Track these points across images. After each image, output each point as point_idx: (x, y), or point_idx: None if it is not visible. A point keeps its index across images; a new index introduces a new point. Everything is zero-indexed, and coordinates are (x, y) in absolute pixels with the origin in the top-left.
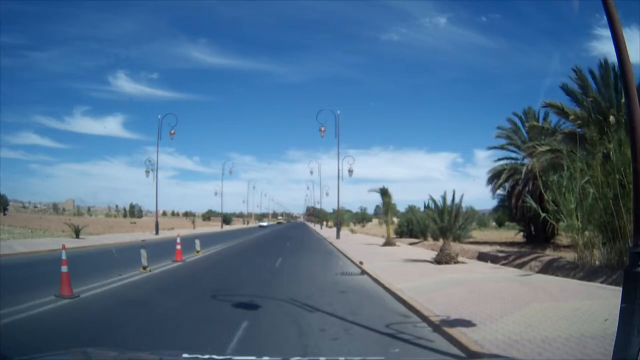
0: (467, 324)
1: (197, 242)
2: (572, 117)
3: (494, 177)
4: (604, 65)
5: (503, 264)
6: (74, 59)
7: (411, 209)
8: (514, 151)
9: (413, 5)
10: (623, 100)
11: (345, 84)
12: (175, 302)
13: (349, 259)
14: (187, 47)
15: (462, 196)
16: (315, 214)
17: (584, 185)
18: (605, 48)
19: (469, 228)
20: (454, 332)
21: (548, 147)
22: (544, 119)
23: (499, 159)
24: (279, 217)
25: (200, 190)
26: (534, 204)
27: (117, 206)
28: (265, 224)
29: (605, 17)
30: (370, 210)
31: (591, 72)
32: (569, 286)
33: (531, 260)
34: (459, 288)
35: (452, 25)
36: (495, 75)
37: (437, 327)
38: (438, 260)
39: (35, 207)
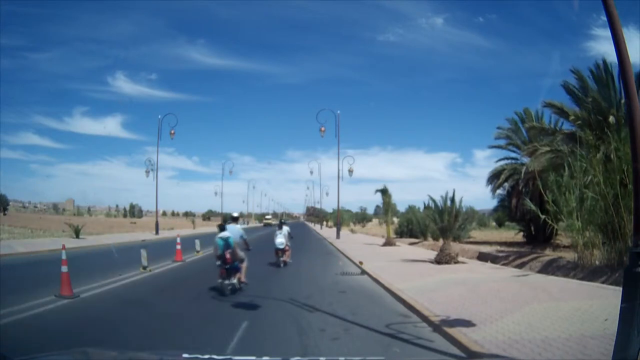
0: (467, 324)
1: (197, 242)
2: (572, 117)
3: (494, 177)
4: (603, 65)
5: (503, 264)
6: (73, 60)
7: (411, 209)
8: (513, 151)
9: (409, 6)
10: (623, 100)
11: (343, 85)
12: (176, 302)
13: (349, 259)
14: (185, 48)
15: (461, 198)
16: (315, 214)
17: (584, 185)
18: (602, 48)
19: (468, 228)
20: (454, 332)
21: (548, 147)
22: (542, 118)
23: (499, 159)
24: (267, 217)
25: (200, 190)
26: (532, 207)
27: (117, 206)
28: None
29: (603, 18)
30: (370, 210)
31: (591, 72)
32: (569, 286)
33: (531, 260)
34: (459, 288)
35: (448, 26)
36: (493, 76)
37: (437, 327)
38: (438, 260)
39: (35, 207)
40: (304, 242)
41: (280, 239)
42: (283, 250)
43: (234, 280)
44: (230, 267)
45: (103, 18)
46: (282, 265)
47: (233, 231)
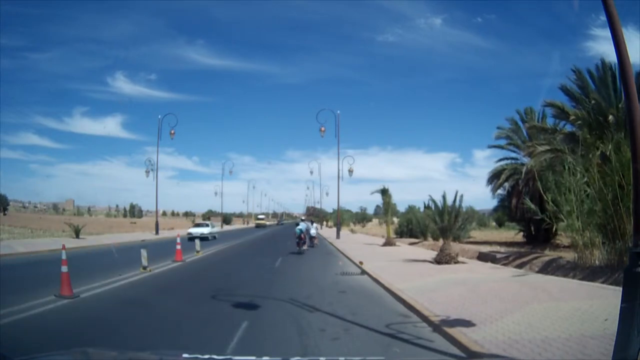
0: (467, 324)
1: (197, 242)
2: (572, 117)
3: (494, 177)
4: (603, 65)
5: (503, 264)
6: (73, 60)
7: (411, 209)
8: (514, 151)
9: (408, 7)
10: (623, 100)
11: (343, 85)
12: (176, 302)
13: (349, 259)
14: (185, 49)
15: (461, 196)
16: (315, 214)
17: (584, 186)
18: (601, 48)
19: (468, 228)
20: (454, 332)
21: (548, 147)
22: (543, 118)
23: (499, 159)
24: (259, 217)
25: (200, 190)
26: (532, 206)
27: (117, 206)
28: (206, 230)
29: (602, 18)
30: (370, 210)
31: (589, 72)
32: (569, 286)
33: (531, 260)
34: (459, 288)
35: (447, 26)
36: (493, 76)
37: (437, 327)
38: (438, 260)
39: (35, 207)
40: None
41: (314, 231)
42: (315, 237)
43: (304, 247)
44: (302, 242)
45: (103, 18)
46: (314, 246)
47: (302, 225)
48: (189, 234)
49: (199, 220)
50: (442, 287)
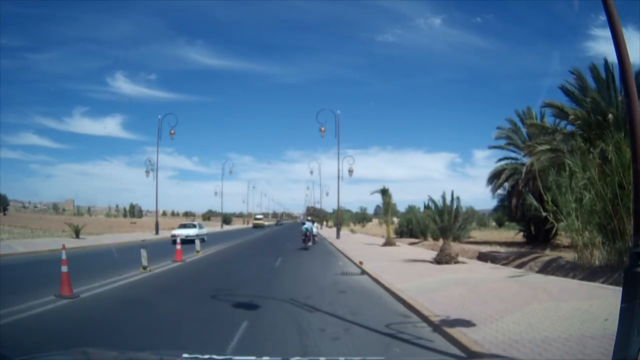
0: (467, 324)
1: (197, 242)
2: (571, 117)
3: (494, 177)
4: (606, 64)
5: (503, 264)
6: (73, 60)
7: (411, 209)
8: (513, 151)
9: (407, 7)
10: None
11: (343, 85)
12: (176, 302)
13: (349, 259)
14: (185, 49)
15: (458, 198)
16: (315, 214)
17: (584, 186)
18: (601, 48)
19: (468, 228)
20: (454, 332)
21: (547, 146)
22: (543, 118)
23: (499, 159)
24: (257, 217)
25: (200, 190)
26: (534, 202)
27: (117, 206)
28: (193, 231)
29: (602, 18)
30: (370, 210)
31: (590, 71)
32: (569, 286)
33: (531, 260)
34: (459, 288)
35: (446, 26)
36: (493, 76)
37: (437, 327)
38: (438, 260)
39: (35, 207)
40: None
41: (315, 230)
42: (315, 235)
43: (309, 244)
44: (307, 239)
45: (103, 18)
46: (315, 243)
47: (308, 224)
48: (173, 236)
49: (198, 220)
50: (442, 287)
